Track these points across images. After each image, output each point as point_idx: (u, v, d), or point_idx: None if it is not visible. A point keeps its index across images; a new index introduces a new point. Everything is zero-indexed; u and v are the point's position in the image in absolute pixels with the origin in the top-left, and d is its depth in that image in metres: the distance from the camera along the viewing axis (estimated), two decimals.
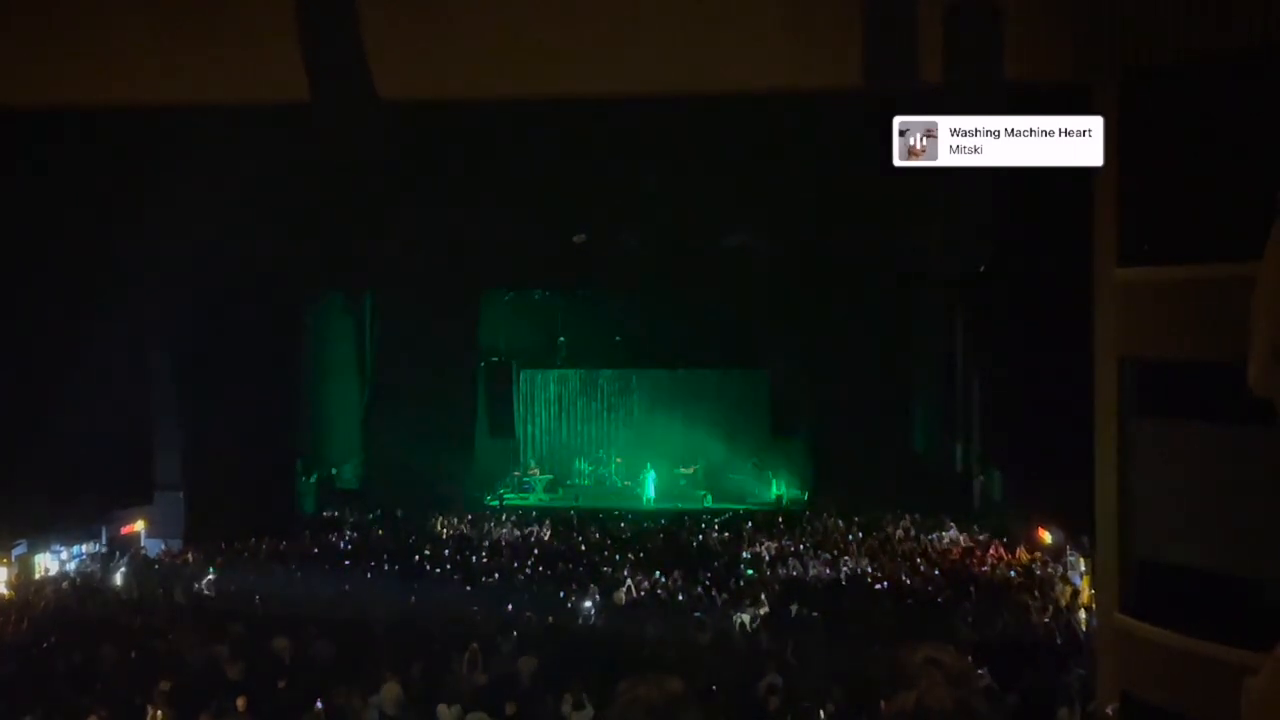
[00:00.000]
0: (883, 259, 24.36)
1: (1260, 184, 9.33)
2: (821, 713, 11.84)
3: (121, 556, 21.65)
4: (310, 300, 27.33)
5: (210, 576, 19.50)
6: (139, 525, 23.22)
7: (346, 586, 18.48)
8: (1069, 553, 19.91)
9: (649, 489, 28.63)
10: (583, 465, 30.86)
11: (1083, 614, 16.37)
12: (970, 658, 12.19)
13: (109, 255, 19.59)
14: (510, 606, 16.59)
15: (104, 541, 22.27)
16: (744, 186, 19.62)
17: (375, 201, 20.42)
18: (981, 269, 23.35)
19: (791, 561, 20.41)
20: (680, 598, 17.58)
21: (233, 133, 15.15)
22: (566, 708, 11.91)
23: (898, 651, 3.27)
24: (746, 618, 16.34)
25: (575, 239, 23.78)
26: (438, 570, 19.80)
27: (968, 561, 20.70)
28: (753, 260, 25.01)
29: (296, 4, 9.73)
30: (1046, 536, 21.63)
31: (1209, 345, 9.46)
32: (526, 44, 11.05)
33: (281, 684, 12.79)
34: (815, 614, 16.12)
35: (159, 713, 11.92)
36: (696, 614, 16.46)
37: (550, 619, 16.15)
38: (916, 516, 24.60)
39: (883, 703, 3.10)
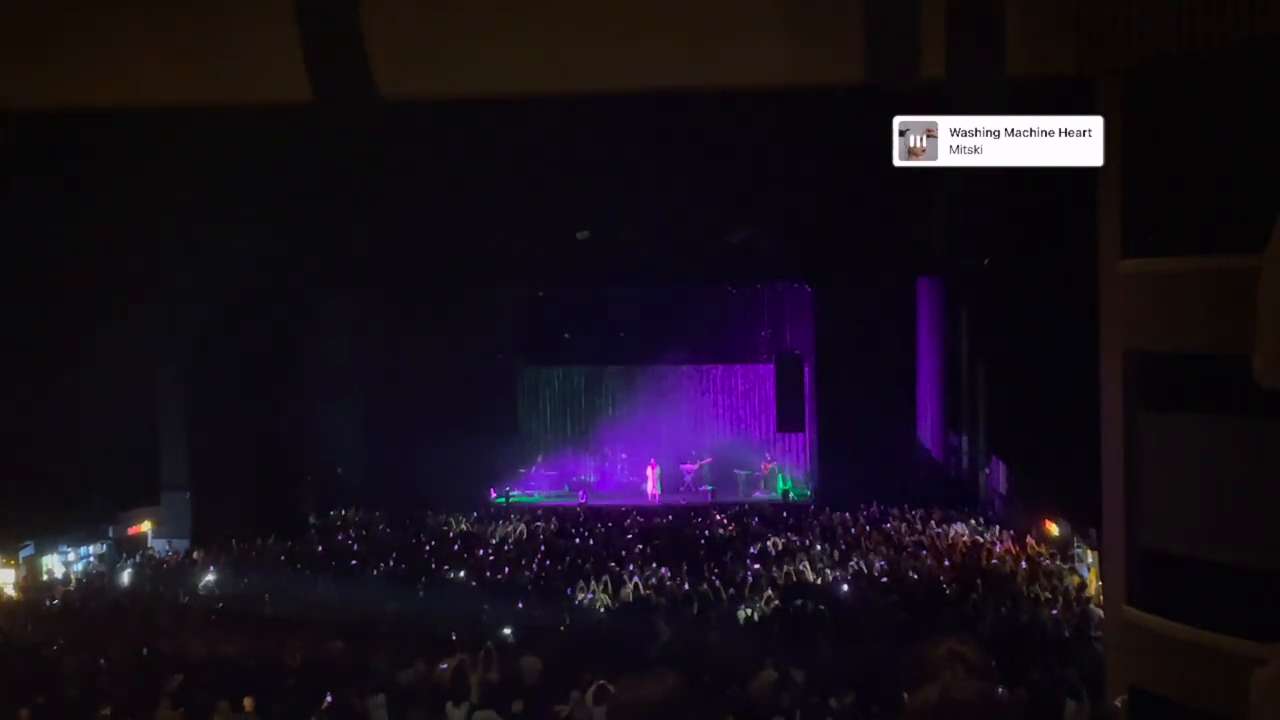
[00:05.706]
0: (887, 252, 24.36)
1: (1265, 175, 9.33)
2: (832, 705, 11.84)
3: (129, 557, 21.70)
4: (315, 299, 27.36)
5: (216, 577, 19.51)
6: (146, 526, 23.27)
7: (353, 585, 18.50)
8: (1076, 545, 19.88)
9: (655, 484, 28.65)
10: (589, 461, 30.87)
11: (1091, 606, 16.35)
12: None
13: (114, 258, 19.62)
14: (521, 605, 16.60)
15: (111, 542, 22.31)
16: (746, 182, 19.61)
17: (379, 200, 20.46)
18: (986, 261, 23.36)
19: (798, 555, 20.39)
20: (686, 592, 17.56)
21: (235, 134, 15.15)
22: (575, 703, 11.90)
23: (919, 645, 3.26)
24: (753, 612, 16.34)
25: (579, 235, 23.80)
26: (445, 568, 19.80)
27: (975, 554, 20.67)
28: (756, 255, 25.01)
29: (297, 3, 9.70)
30: (1053, 529, 21.60)
31: (1214, 337, 9.43)
32: (527, 42, 11.03)
33: (289, 684, 12.81)
34: (823, 608, 16.11)
35: (166, 713, 11.96)
36: (703, 609, 16.46)
37: (557, 615, 16.15)
38: (923, 510, 24.58)
39: (905, 695, 3.10)
